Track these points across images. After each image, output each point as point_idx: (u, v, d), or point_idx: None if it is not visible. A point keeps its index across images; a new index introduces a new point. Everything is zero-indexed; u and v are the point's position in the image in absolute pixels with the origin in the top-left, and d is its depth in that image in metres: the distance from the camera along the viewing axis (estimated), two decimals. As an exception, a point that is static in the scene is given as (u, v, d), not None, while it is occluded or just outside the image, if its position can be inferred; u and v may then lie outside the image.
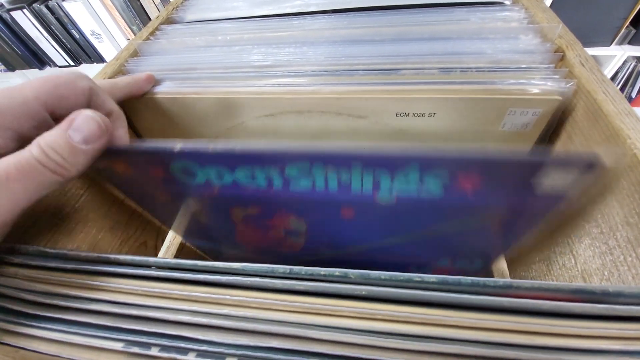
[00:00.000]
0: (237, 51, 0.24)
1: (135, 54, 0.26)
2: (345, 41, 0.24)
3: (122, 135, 0.19)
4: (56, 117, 0.16)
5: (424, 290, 0.11)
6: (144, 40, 0.27)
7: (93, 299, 0.13)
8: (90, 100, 0.18)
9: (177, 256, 0.33)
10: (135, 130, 0.27)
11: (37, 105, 0.15)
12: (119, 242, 0.27)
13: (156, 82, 0.23)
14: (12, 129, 0.15)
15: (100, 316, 0.13)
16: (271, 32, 0.25)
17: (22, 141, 0.15)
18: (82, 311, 0.13)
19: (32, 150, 0.14)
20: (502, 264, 0.24)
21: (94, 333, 0.12)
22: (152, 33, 0.28)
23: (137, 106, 0.24)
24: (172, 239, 0.34)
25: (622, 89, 1.15)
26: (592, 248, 0.17)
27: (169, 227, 0.30)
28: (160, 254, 0.30)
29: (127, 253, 0.26)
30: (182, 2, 0.32)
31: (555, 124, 0.21)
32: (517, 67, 0.20)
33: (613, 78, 1.11)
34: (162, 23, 0.29)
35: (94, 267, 0.14)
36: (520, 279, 0.18)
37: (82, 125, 0.15)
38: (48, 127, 0.15)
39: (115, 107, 0.19)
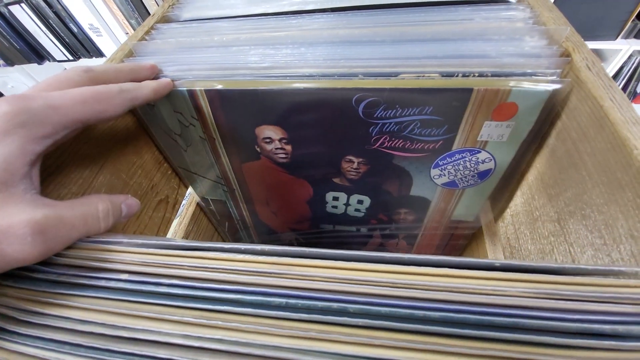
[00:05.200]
0: (234, 52, 0.24)
1: (130, 54, 0.26)
2: (344, 42, 0.23)
3: (169, 87, 0.22)
4: (91, 124, 0.17)
5: (427, 324, 0.10)
6: (139, 40, 0.26)
7: (84, 320, 0.13)
8: (131, 105, 0.19)
9: (191, 225, 0.36)
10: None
11: (76, 119, 0.16)
12: (143, 193, 0.28)
13: (159, 71, 0.23)
14: (50, 137, 0.15)
15: (91, 337, 0.12)
16: (269, 32, 0.25)
17: (54, 146, 0.17)
18: (73, 332, 0.13)
19: (99, 207, 0.17)
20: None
21: (85, 354, 0.12)
22: (147, 32, 0.27)
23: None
24: (190, 202, 0.35)
25: (627, 84, 1.14)
26: (594, 259, 0.17)
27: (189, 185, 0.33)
28: (178, 214, 0.34)
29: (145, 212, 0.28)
30: (178, 0, 0.32)
31: (552, 130, 0.20)
32: (522, 71, 0.19)
33: (618, 72, 1.10)
34: (157, 22, 0.29)
35: (82, 292, 0.13)
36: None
37: (131, 207, 0.19)
38: (78, 132, 0.19)
39: (153, 88, 0.20)
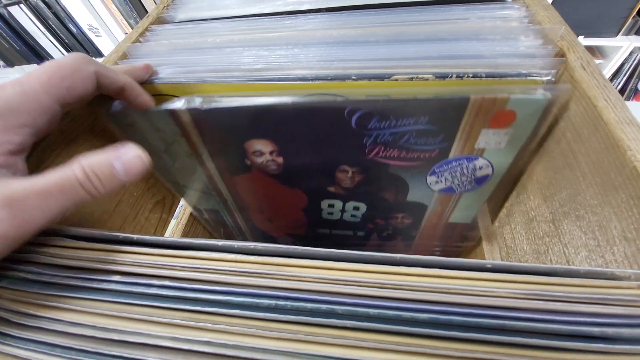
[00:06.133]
0: (228, 53, 0.24)
1: (124, 56, 0.26)
2: (338, 42, 0.23)
3: (147, 100, 0.21)
4: (66, 105, 0.16)
5: (414, 326, 0.10)
6: (133, 42, 0.26)
7: (76, 323, 0.13)
8: (98, 83, 0.18)
9: (188, 226, 0.35)
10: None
11: (49, 100, 0.16)
12: (140, 194, 0.28)
13: (153, 72, 0.23)
14: (28, 125, 0.15)
15: (82, 340, 0.12)
16: (262, 33, 0.25)
17: (38, 135, 0.16)
18: (65, 334, 0.13)
19: (75, 170, 0.14)
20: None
21: (76, 357, 0.12)
22: (141, 34, 0.27)
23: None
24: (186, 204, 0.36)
25: (627, 81, 1.13)
26: (588, 261, 0.17)
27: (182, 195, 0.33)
28: (175, 215, 0.34)
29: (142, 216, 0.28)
30: (173, 0, 0.32)
31: (551, 130, 0.20)
32: (517, 72, 0.19)
33: (619, 69, 1.09)
34: (152, 23, 0.29)
35: (75, 294, 0.13)
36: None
37: (128, 160, 0.15)
38: (58, 118, 0.17)
39: (126, 80, 0.19)
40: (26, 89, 0.15)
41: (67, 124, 0.21)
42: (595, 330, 0.10)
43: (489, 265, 0.12)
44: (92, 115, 0.23)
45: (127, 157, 0.15)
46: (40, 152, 0.20)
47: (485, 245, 0.30)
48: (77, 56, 0.17)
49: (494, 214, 0.29)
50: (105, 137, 0.24)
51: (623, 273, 0.11)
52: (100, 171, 0.15)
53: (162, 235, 0.32)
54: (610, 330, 0.10)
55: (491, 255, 0.28)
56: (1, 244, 0.13)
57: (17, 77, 0.16)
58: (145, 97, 0.21)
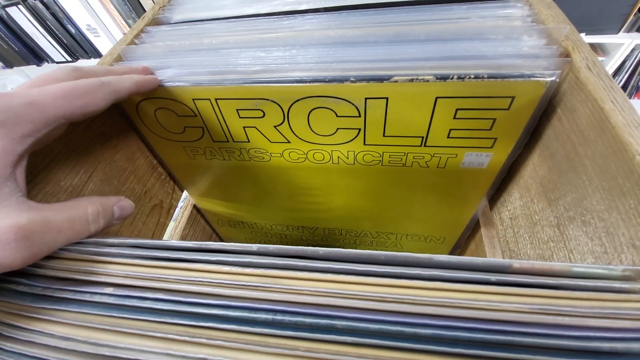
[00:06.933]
0: (224, 55, 0.23)
1: (119, 58, 0.25)
2: (337, 43, 0.23)
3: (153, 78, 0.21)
4: (73, 120, 0.17)
5: (417, 342, 0.10)
6: (128, 44, 0.26)
7: (68, 337, 0.12)
8: (112, 102, 0.18)
9: (187, 228, 0.35)
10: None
11: (57, 115, 0.16)
12: (136, 199, 0.28)
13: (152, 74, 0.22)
14: (31, 136, 0.15)
15: (74, 355, 0.12)
16: (260, 34, 0.24)
17: (37, 146, 0.16)
18: (57, 349, 0.12)
19: (88, 211, 0.16)
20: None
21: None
22: (136, 36, 0.27)
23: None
24: (185, 206, 0.35)
25: (629, 78, 1.12)
26: (595, 267, 0.16)
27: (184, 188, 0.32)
28: (174, 216, 0.33)
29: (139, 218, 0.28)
30: (169, 1, 0.31)
31: (551, 132, 0.20)
32: (520, 73, 0.18)
33: (620, 67, 1.08)
34: (148, 24, 0.28)
35: (66, 307, 0.13)
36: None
37: (124, 209, 0.18)
38: (62, 130, 0.18)
39: (131, 86, 0.19)
40: (35, 101, 0.15)
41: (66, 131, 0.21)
42: (605, 345, 0.10)
43: (494, 279, 0.11)
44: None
45: (122, 204, 0.18)
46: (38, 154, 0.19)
47: (487, 249, 0.29)
48: (94, 80, 0.17)
49: (497, 216, 0.29)
50: (99, 138, 0.24)
51: (633, 286, 0.11)
52: (107, 212, 0.17)
53: (160, 238, 0.32)
54: (619, 346, 0.10)
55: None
56: (3, 271, 0.13)
57: (30, 90, 0.15)
58: (152, 82, 0.21)
